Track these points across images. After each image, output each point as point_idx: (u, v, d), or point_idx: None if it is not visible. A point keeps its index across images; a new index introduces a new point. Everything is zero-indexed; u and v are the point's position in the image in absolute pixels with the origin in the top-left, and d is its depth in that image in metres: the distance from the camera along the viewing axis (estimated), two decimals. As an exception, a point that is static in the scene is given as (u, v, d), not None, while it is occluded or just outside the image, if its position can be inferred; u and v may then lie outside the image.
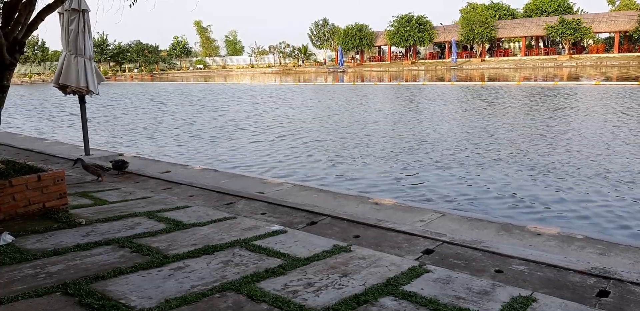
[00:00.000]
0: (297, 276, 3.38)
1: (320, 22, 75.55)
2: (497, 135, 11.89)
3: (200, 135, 13.84)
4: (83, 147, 8.76)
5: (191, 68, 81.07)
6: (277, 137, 12.89)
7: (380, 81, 40.74)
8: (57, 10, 5.71)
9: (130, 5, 5.88)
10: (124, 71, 77.35)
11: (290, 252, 3.85)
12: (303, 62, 73.36)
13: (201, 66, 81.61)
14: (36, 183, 4.80)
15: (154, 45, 79.33)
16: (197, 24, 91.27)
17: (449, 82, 33.82)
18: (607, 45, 54.91)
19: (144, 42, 78.29)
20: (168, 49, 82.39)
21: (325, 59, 71.21)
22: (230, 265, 3.58)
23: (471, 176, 8.09)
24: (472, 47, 60.75)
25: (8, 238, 4.07)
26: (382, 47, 69.87)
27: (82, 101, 8.39)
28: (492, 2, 63.34)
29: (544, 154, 9.54)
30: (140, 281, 3.30)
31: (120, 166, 7.52)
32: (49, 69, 68.42)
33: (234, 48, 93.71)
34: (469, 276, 3.47)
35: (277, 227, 4.57)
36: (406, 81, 38.82)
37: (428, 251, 4.13)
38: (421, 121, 15.13)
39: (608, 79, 30.15)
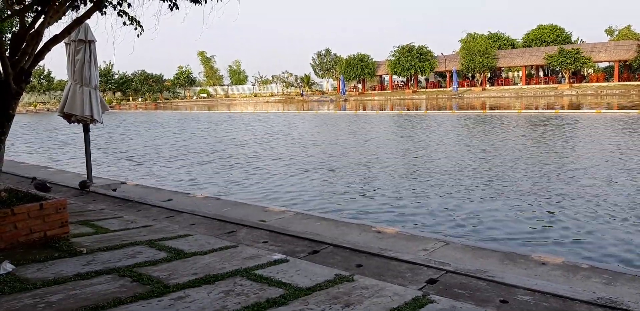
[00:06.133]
0: (299, 306, 3.33)
1: (323, 52, 76.80)
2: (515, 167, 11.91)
3: (204, 164, 13.88)
4: (86, 176, 8.78)
5: (195, 97, 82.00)
6: (283, 165, 12.92)
7: (382, 110, 41.03)
8: (63, 40, 5.82)
9: (137, 35, 6.01)
10: (129, 99, 78.18)
11: (292, 282, 3.81)
12: (304, 91, 74.01)
13: (205, 94, 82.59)
14: (38, 211, 4.78)
15: (158, 74, 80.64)
16: (201, 54, 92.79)
17: (450, 111, 34.05)
18: (607, 74, 55.44)
19: (148, 72, 79.64)
20: (172, 78, 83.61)
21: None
22: (232, 295, 3.53)
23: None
24: (473, 76, 61.42)
25: (8, 267, 4.04)
26: (383, 76, 70.74)
27: (86, 130, 8.46)
28: (490, 32, 64.45)
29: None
30: (140, 311, 3.26)
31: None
32: (54, 98, 69.17)
33: (238, 77, 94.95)
34: (474, 307, 3.41)
35: (278, 256, 4.53)
36: (408, 110, 39.08)
37: (432, 281, 4.08)
38: (423, 148, 15.19)
39: (609, 108, 30.33)
